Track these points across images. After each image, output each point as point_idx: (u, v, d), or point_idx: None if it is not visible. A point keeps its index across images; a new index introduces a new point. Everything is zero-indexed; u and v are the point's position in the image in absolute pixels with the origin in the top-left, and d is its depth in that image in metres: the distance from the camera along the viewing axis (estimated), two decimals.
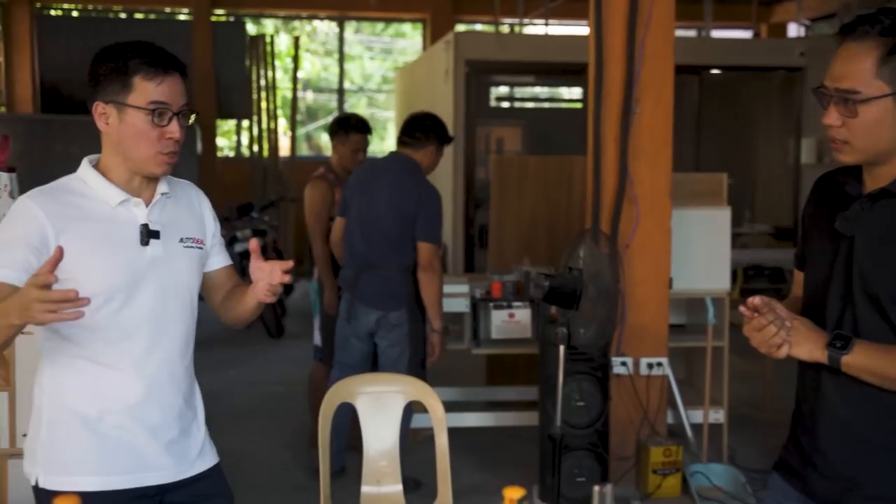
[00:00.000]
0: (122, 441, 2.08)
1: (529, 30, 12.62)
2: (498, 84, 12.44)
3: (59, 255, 1.76)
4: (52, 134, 9.54)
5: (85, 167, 2.11)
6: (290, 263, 2.12)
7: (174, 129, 2.06)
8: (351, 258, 4.54)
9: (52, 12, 13.51)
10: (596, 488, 2.00)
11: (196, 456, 2.21)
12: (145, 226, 2.09)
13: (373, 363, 4.58)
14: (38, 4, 13.00)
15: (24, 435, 2.50)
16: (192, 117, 2.11)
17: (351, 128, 5.16)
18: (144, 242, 2.08)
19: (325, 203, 5.03)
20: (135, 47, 2.06)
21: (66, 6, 13.63)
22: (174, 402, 2.16)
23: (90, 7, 13.76)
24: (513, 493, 1.51)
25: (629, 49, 4.44)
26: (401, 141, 4.61)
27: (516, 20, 11.81)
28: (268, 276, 2.11)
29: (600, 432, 4.24)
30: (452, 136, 4.79)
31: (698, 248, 4.81)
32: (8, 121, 10.31)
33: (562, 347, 3.62)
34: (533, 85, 12.83)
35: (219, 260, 2.31)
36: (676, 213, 4.63)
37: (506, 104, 13.01)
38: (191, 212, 2.24)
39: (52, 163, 8.23)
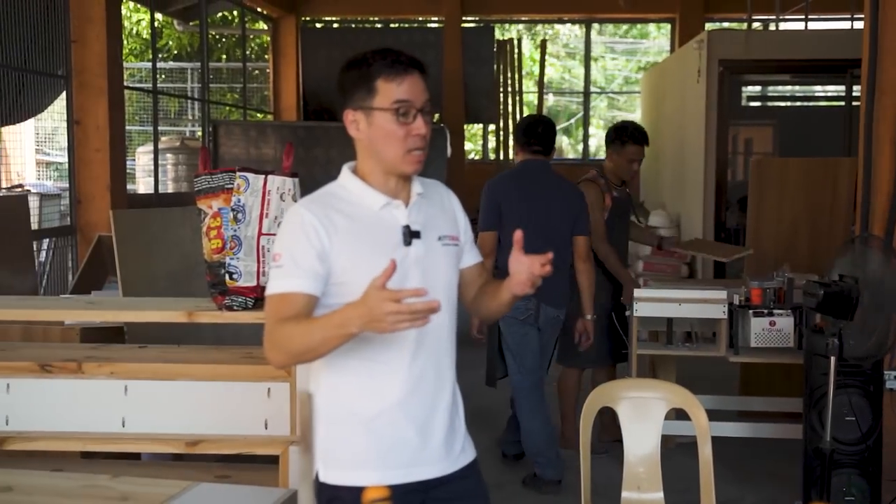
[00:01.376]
0: (396, 437, 2.15)
1: (784, 26, 12.06)
2: (750, 83, 11.99)
3: (393, 267, 1.86)
4: (313, 140, 10.10)
5: (346, 174, 2.19)
6: (549, 255, 2.12)
7: (419, 125, 2.10)
8: None
9: (317, 25, 14.34)
10: None
11: (460, 451, 2.26)
12: (407, 227, 2.15)
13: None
14: (305, 18, 13.83)
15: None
16: (436, 116, 2.16)
17: (628, 138, 5.11)
18: (407, 243, 2.14)
19: (600, 205, 5.06)
20: (375, 53, 2.12)
21: (328, 18, 14.42)
22: (442, 398, 2.22)
23: (349, 18, 14.48)
24: None
25: None
26: (534, 150, 4.81)
27: (770, 17, 11.33)
28: (527, 268, 2.13)
29: (871, 450, 3.99)
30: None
31: None
32: (276, 127, 11.03)
33: (832, 359, 3.44)
34: (787, 84, 12.26)
35: (471, 257, 2.34)
36: None
37: (757, 104, 12.52)
38: (443, 210, 2.28)
39: (314, 167, 8.74)
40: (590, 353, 5.21)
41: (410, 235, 2.15)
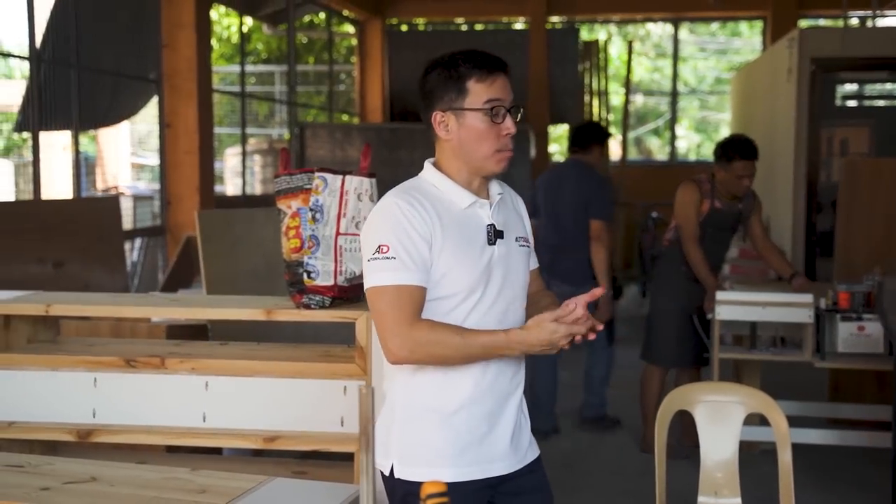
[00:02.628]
0: (473, 433, 2.16)
1: (881, 22, 11.71)
2: (844, 82, 11.66)
3: (594, 296, 2.05)
4: (397, 141, 10.20)
5: (432, 170, 2.20)
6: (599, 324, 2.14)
7: (509, 124, 2.13)
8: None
9: (402, 27, 14.45)
10: None
11: (528, 446, 2.28)
12: (492, 226, 2.17)
13: None
14: (393, 21, 13.96)
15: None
16: (520, 113, 2.16)
17: (734, 153, 4.91)
18: (492, 242, 2.16)
19: (695, 207, 4.99)
20: (462, 54, 2.14)
21: (413, 21, 14.53)
22: (516, 394, 2.24)
23: (435, 20, 14.56)
24: None
25: None
26: (572, 149, 5.74)
27: (867, 13, 11.01)
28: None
29: None
30: (610, 134, 6.10)
31: None
32: (361, 129, 11.16)
33: None
34: (885, 82, 11.89)
35: (533, 261, 2.36)
36: None
37: (852, 103, 12.17)
38: (516, 212, 2.30)
39: (398, 169, 8.82)
40: (671, 350, 5.19)
41: (495, 235, 2.17)
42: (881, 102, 12.68)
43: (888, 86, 12.64)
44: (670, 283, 5.23)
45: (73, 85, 6.85)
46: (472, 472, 2.16)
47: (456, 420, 2.16)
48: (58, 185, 8.28)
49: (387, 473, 2.21)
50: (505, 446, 2.20)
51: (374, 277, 2.08)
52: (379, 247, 2.08)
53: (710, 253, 5.09)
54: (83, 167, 7.53)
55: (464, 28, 14.81)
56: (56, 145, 8.23)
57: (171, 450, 3.53)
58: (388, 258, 2.06)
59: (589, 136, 5.68)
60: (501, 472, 2.21)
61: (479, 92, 2.11)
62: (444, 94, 2.13)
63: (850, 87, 12.16)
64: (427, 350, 2.05)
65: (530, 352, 2.05)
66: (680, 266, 5.14)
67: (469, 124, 2.12)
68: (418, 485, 2.14)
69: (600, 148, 5.73)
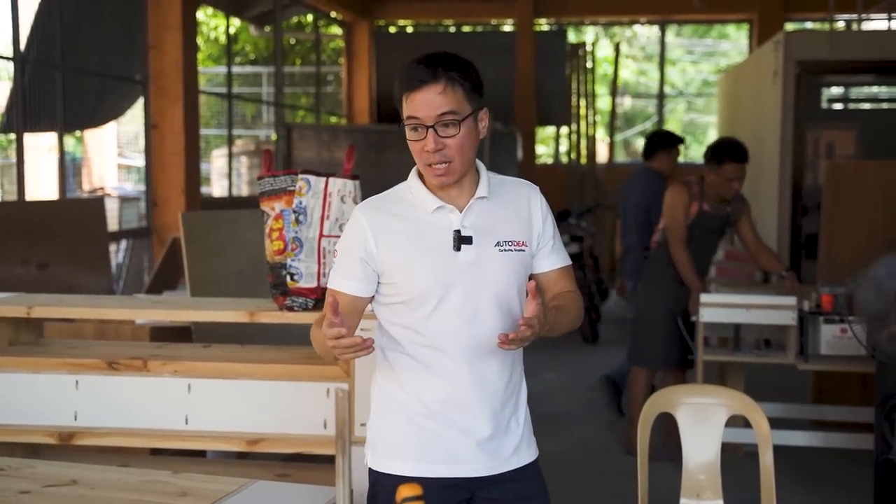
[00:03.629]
0: (436, 434, 2.17)
1: (867, 25, 11.78)
2: (830, 85, 11.72)
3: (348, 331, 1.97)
4: (385, 142, 10.19)
5: (413, 176, 2.22)
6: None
7: (428, 142, 2.09)
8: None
9: (390, 29, 14.45)
10: None
11: (510, 453, 2.24)
12: (458, 231, 2.15)
13: None
14: (378, 22, 13.95)
15: (363, 424, 2.69)
16: (463, 122, 2.09)
17: (724, 156, 4.91)
18: (457, 248, 2.14)
19: (683, 208, 5.01)
20: (408, 66, 2.11)
21: (401, 22, 14.53)
22: (485, 403, 2.19)
23: (422, 22, 14.57)
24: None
25: None
26: (643, 157, 6.25)
27: (853, 16, 11.06)
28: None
29: None
30: (681, 138, 6.31)
31: None
32: (348, 131, 11.15)
33: None
34: (871, 85, 11.95)
35: (550, 261, 2.27)
36: None
37: (838, 106, 12.23)
38: (515, 213, 2.23)
39: (386, 170, 8.81)
40: (657, 352, 5.20)
41: (460, 241, 2.15)
42: (867, 105, 12.75)
43: (874, 89, 12.70)
44: (657, 285, 5.24)
45: (59, 86, 6.82)
46: (434, 470, 2.17)
47: (421, 418, 2.18)
48: (43, 187, 8.26)
49: (368, 465, 2.26)
50: (475, 450, 2.19)
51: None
52: (334, 251, 2.24)
53: (697, 255, 5.11)
54: (69, 168, 7.51)
55: (452, 30, 14.82)
56: (42, 146, 8.21)
57: (155, 453, 3.53)
58: (334, 263, 2.24)
59: (653, 144, 6.13)
60: (468, 475, 2.19)
61: (405, 108, 2.12)
62: (399, 103, 2.16)
63: (836, 90, 12.21)
64: (316, 346, 2.16)
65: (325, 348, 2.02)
66: (667, 267, 5.15)
67: (407, 136, 2.14)
68: (384, 475, 2.21)
69: (666, 154, 6.07)
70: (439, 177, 2.12)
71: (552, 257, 2.28)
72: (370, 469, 2.24)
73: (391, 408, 2.23)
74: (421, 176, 2.20)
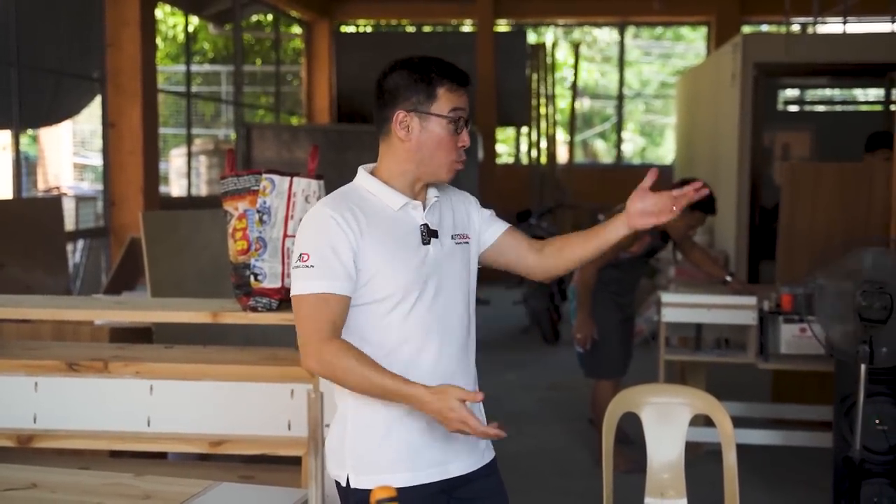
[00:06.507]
0: (426, 436, 2.15)
1: (822, 29, 11.94)
2: (787, 87, 11.87)
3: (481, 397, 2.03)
4: (344, 142, 10.14)
5: (364, 175, 2.21)
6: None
7: (465, 137, 2.17)
8: None
9: (350, 29, 14.40)
10: None
11: (484, 447, 2.27)
12: (425, 226, 2.17)
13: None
14: (338, 22, 13.90)
15: (327, 425, 2.66)
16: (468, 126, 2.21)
17: (696, 207, 4.58)
18: (426, 242, 2.16)
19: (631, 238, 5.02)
20: (434, 61, 2.16)
21: (360, 22, 14.48)
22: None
23: (382, 23, 14.53)
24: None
25: None
26: None
27: (809, 19, 11.21)
28: (653, 203, 2.22)
29: None
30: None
31: None
32: (308, 131, 11.09)
33: (863, 366, 3.39)
34: (826, 87, 12.13)
35: (498, 226, 2.36)
36: None
37: (794, 108, 12.41)
38: (455, 211, 2.29)
39: (346, 170, 8.74)
40: (618, 361, 5.19)
41: (429, 234, 2.17)
42: (821, 108, 12.95)
43: (828, 91, 12.90)
44: (604, 299, 5.19)
45: (14, 83, 6.71)
46: (430, 475, 2.15)
47: (406, 424, 2.14)
48: None
49: (343, 484, 2.17)
50: (458, 447, 2.19)
51: (295, 286, 2.10)
52: (301, 255, 2.09)
53: (630, 277, 5.15)
54: (24, 167, 7.38)
55: (411, 30, 14.80)
56: None
57: (115, 455, 3.47)
58: (307, 266, 2.07)
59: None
60: (459, 473, 2.20)
61: (447, 100, 2.13)
62: (411, 96, 2.13)
63: (792, 93, 12.39)
64: (332, 371, 2.06)
65: (422, 409, 2.03)
66: (605, 285, 5.12)
67: (431, 129, 2.13)
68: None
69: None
70: (454, 173, 2.21)
71: (497, 223, 2.38)
72: (354, 489, 2.14)
73: (371, 421, 2.15)
74: (375, 175, 2.20)
